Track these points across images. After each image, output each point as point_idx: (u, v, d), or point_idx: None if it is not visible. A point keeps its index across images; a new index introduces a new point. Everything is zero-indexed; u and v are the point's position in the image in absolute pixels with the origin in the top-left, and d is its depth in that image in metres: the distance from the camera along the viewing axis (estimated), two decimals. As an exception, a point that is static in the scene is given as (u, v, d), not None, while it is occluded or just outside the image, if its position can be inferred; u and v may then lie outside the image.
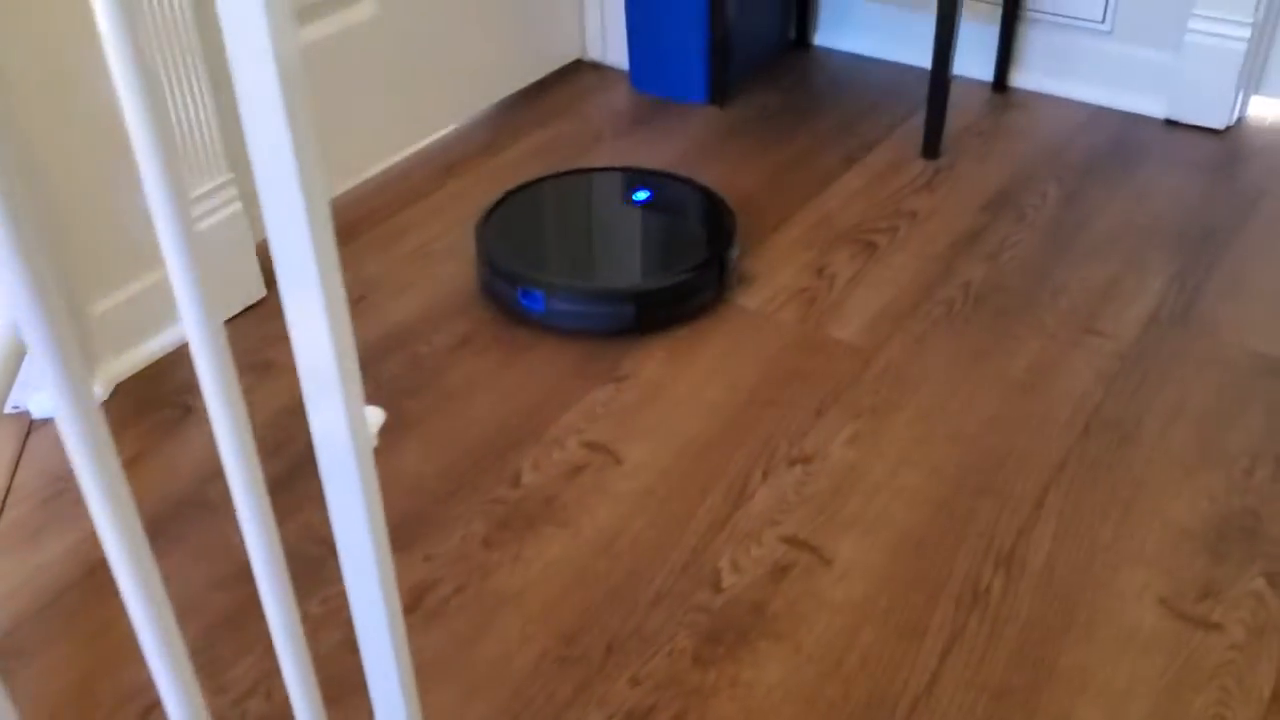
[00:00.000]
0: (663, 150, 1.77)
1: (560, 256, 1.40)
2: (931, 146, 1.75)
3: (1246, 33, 1.71)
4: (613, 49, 2.02)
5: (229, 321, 1.41)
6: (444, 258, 1.53)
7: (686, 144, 1.80)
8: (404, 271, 1.50)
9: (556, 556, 1.08)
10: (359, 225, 1.61)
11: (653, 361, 1.33)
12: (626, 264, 1.39)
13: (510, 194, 1.53)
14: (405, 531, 1.11)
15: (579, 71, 2.04)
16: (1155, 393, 1.26)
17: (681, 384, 1.29)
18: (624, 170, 1.59)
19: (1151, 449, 1.19)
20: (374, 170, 1.74)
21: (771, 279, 1.47)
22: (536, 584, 1.06)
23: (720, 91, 1.91)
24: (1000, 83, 1.95)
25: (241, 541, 1.08)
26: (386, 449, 1.21)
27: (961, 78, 1.99)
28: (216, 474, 1.18)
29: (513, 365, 1.33)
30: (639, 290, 1.35)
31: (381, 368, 1.33)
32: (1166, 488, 1.14)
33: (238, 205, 1.39)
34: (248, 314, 1.43)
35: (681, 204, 1.51)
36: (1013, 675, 0.96)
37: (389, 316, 1.42)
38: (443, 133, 1.84)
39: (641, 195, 1.48)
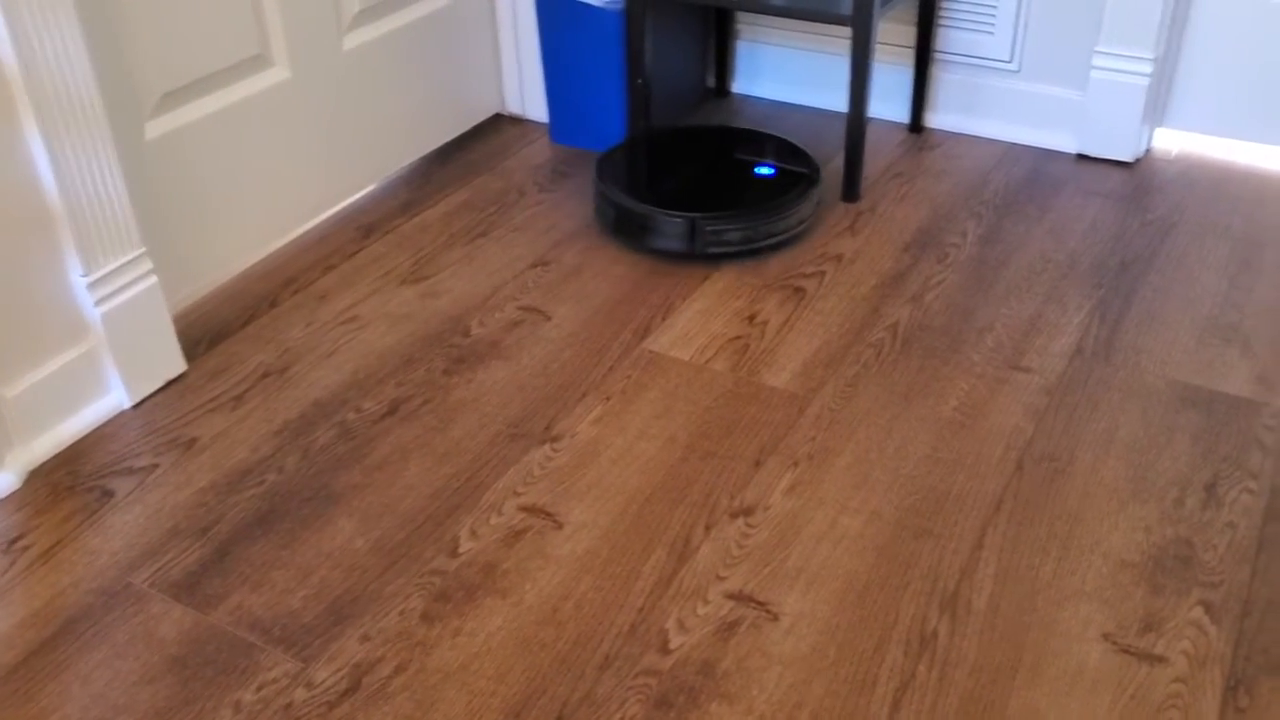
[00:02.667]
0: (588, 202, 1.77)
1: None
2: (852, 190, 1.77)
3: (1148, 68, 1.76)
4: (532, 102, 2.02)
5: (149, 398, 1.37)
6: (369, 321, 1.50)
7: (610, 196, 1.79)
8: (328, 337, 1.47)
9: (499, 627, 1.06)
10: (280, 292, 1.57)
11: (587, 419, 1.31)
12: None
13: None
14: (340, 611, 1.08)
15: (499, 126, 2.03)
16: (1084, 426, 1.28)
17: (617, 440, 1.28)
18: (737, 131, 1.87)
19: (1085, 482, 1.21)
20: (292, 235, 1.71)
21: (703, 328, 1.47)
22: (480, 657, 1.03)
23: (641, 142, 1.92)
24: (916, 124, 1.99)
25: (169, 633, 1.04)
26: (318, 525, 1.18)
27: (878, 120, 2.02)
28: (139, 562, 1.14)
29: (445, 429, 1.30)
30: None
31: (310, 438, 1.30)
32: (1102, 521, 1.16)
33: (153, 279, 1.35)
34: (168, 389, 1.38)
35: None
36: (965, 722, 0.96)
37: (316, 384, 1.39)
38: (362, 193, 1.82)
39: (766, 170, 1.71)
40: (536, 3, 1.87)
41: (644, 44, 1.83)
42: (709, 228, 1.57)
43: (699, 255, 1.60)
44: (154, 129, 1.42)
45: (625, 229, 1.64)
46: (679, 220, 1.57)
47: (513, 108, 2.05)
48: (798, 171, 1.70)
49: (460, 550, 1.14)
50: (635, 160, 1.76)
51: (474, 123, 2.00)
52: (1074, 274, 1.56)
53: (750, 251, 1.61)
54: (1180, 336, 1.43)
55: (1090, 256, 1.60)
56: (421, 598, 1.09)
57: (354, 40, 1.69)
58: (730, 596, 1.08)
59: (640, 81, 1.86)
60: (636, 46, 1.83)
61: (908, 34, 1.94)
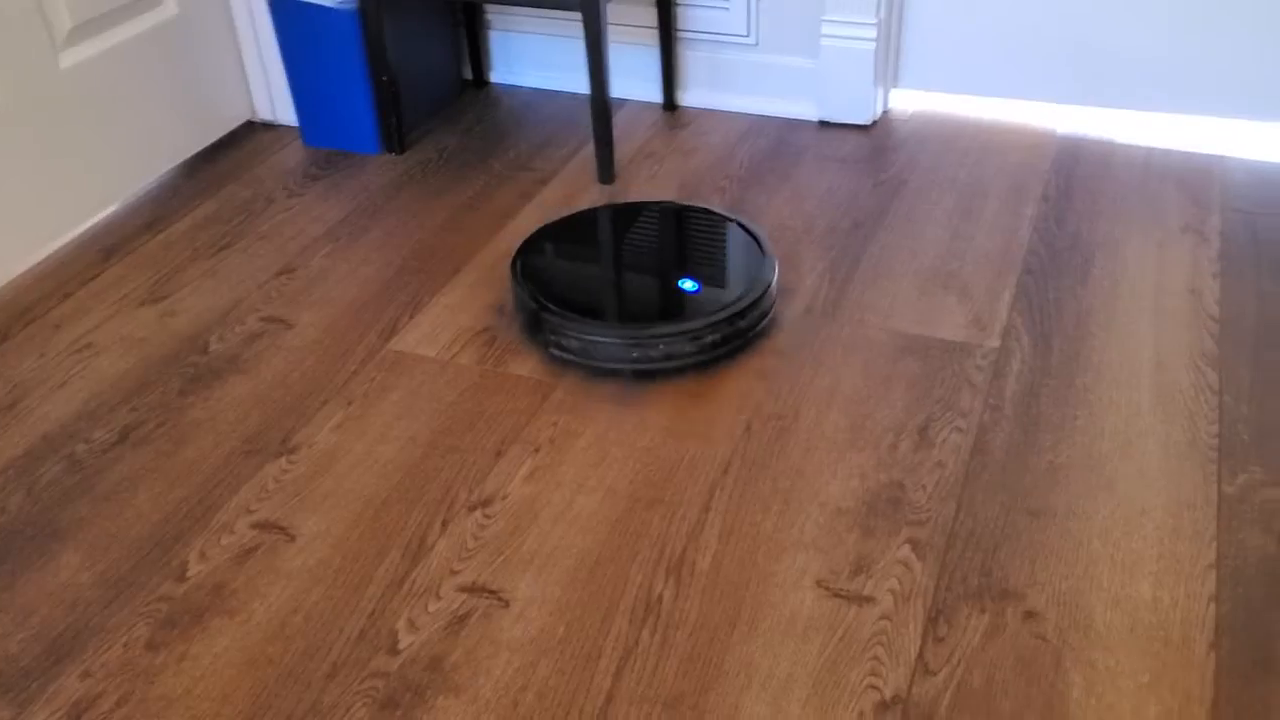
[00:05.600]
0: (338, 204, 1.75)
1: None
2: (605, 171, 1.80)
3: (872, 33, 1.84)
4: (282, 107, 1.98)
5: None
6: (105, 347, 1.45)
7: (362, 196, 1.78)
8: (61, 367, 1.42)
9: (226, 647, 1.05)
10: (10, 326, 1.51)
11: (327, 427, 1.31)
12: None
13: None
14: (61, 649, 1.05)
15: (251, 133, 1.99)
16: (810, 384, 1.34)
17: (357, 446, 1.28)
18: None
19: (808, 437, 1.26)
20: (25, 265, 1.64)
21: (451, 323, 1.48)
22: (205, 680, 1.02)
23: (394, 138, 1.90)
24: (670, 103, 2.03)
25: None
26: (41, 564, 1.14)
27: (635, 101, 2.06)
28: None
29: (178, 451, 1.28)
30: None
31: (36, 475, 1.25)
32: (822, 472, 1.21)
33: None
34: (-119, 440, 1.32)
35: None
36: (683, 681, 1.00)
37: (45, 418, 1.34)
38: (103, 214, 1.76)
39: (690, 286, 1.39)
40: (270, 7, 1.83)
41: (384, 42, 1.81)
42: (651, 344, 1.32)
43: (639, 373, 1.35)
44: None
45: (548, 341, 1.38)
46: (618, 339, 1.32)
47: (263, 114, 2.01)
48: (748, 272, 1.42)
49: (189, 574, 1.12)
50: (552, 251, 1.49)
51: (222, 132, 1.95)
52: (809, 238, 1.62)
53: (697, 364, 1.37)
54: (904, 288, 1.50)
55: (825, 220, 1.66)
56: (147, 626, 1.07)
57: (72, 58, 1.63)
58: (463, 589, 1.10)
59: (386, 79, 1.84)
60: (376, 45, 1.82)
61: (651, 14, 1.97)
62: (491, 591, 1.09)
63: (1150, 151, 1.80)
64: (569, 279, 1.42)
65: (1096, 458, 1.21)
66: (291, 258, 1.63)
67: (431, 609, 1.07)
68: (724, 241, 1.49)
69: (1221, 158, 1.77)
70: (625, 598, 1.08)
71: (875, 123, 1.93)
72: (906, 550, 1.12)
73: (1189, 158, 1.77)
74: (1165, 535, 1.12)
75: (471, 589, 1.09)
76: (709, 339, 1.33)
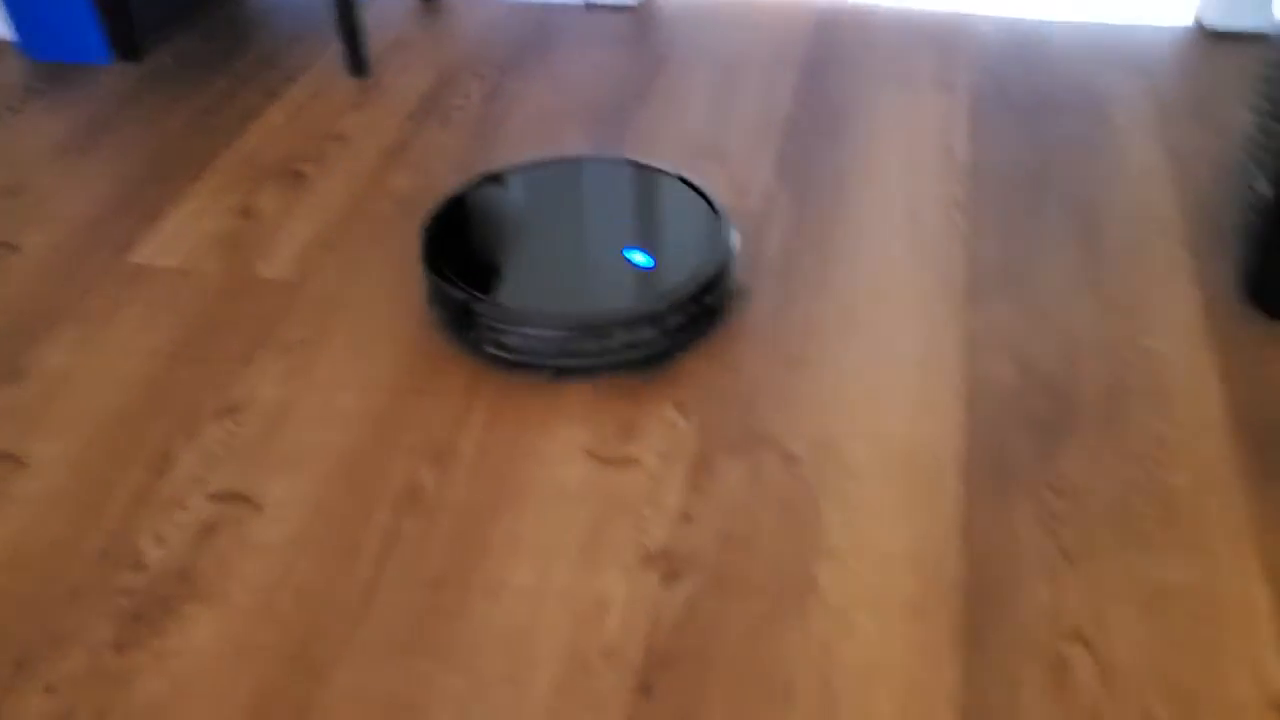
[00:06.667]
0: (66, 118, 1.61)
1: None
2: (357, 65, 1.71)
3: (626, -92, 1.79)
4: (-5, 19, 1.81)
5: None
6: None
7: (92, 107, 1.64)
8: None
9: (-51, 586, 0.97)
10: None
11: (59, 349, 1.21)
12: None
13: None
14: None
15: (-38, 50, 1.81)
16: (573, 261, 1.32)
17: (94, 364, 1.19)
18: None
19: (572, 314, 1.24)
20: None
21: (193, 229, 1.38)
22: (-74, 622, 0.94)
23: (127, 46, 1.76)
24: (427, -8, 1.94)
25: None
26: None
27: (390, -7, 1.96)
28: None
29: (-113, 390, 1.16)
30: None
31: None
32: (587, 346, 1.20)
33: None
34: None
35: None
36: (448, 562, 0.98)
37: None
38: None
39: (642, 260, 1.19)
40: (-38, -98, 1.66)
41: (99, -64, 1.66)
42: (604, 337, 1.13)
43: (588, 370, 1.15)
44: None
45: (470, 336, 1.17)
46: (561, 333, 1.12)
47: (-26, 27, 1.83)
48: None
49: (-97, 515, 1.03)
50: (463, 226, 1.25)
51: (-74, 49, 1.76)
52: (572, 119, 1.58)
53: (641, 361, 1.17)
54: (667, 161, 1.49)
55: (589, 100, 1.63)
56: None
57: None
58: (211, 498, 1.04)
59: (107, -21, 1.70)
60: (90, -60, 1.66)
61: (396, -102, 1.87)
62: (243, 497, 1.04)
63: (906, 15, 1.83)
64: (496, 260, 1.20)
65: (850, 307, 1.24)
66: (15, 178, 1.49)
67: (178, 520, 1.02)
68: (666, 201, 1.29)
69: (972, 16, 1.81)
70: (387, 490, 1.04)
71: (642, 4, 1.90)
72: (671, 411, 1.12)
73: (942, 18, 1.81)
74: (915, 373, 1.15)
75: (220, 497, 1.04)
76: (673, 322, 1.14)
